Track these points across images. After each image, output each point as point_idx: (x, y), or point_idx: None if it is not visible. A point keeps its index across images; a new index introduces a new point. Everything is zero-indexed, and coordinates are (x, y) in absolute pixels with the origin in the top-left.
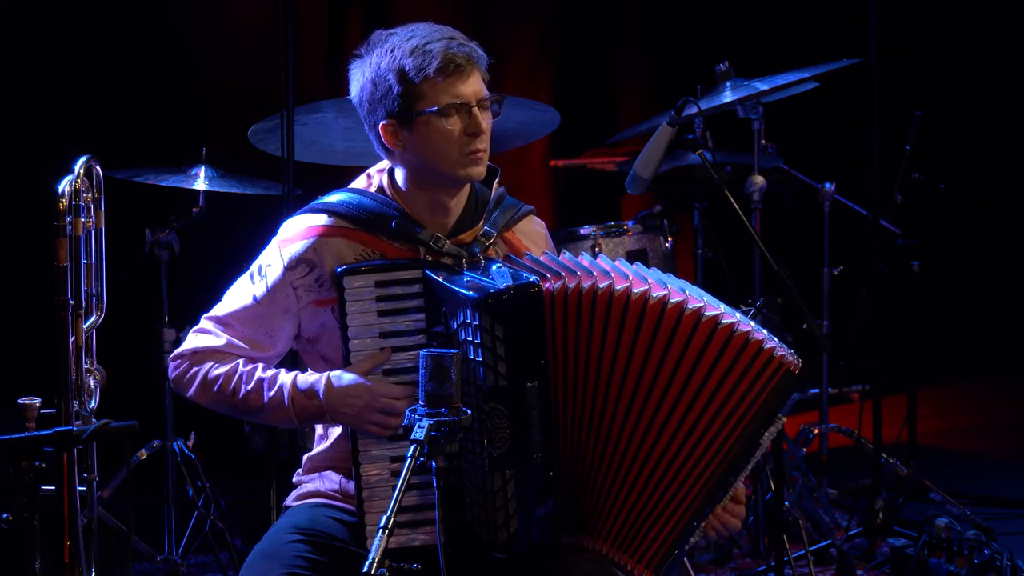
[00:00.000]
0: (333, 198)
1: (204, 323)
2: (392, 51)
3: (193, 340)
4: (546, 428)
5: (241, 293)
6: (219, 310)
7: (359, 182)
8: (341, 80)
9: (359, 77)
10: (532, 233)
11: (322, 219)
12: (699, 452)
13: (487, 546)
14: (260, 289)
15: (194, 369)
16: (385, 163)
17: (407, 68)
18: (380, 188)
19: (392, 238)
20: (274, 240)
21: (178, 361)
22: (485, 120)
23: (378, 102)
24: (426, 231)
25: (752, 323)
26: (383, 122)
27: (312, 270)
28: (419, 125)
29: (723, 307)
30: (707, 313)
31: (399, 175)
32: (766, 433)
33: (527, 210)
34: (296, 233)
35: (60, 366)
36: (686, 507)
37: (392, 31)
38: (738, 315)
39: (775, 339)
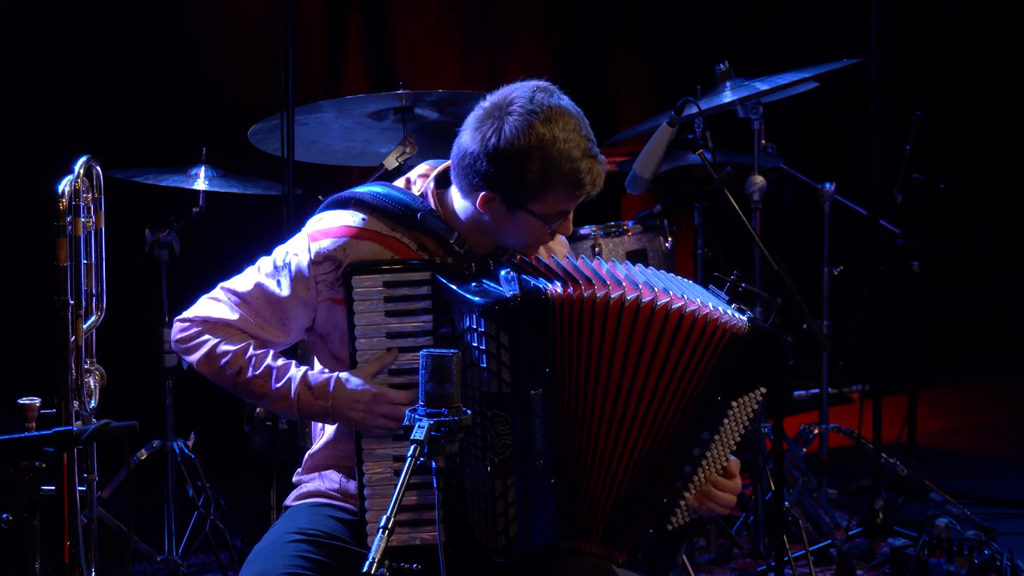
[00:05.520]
0: (369, 191)
1: (219, 292)
2: (544, 146)
3: (206, 307)
4: (549, 435)
5: (263, 275)
6: (238, 285)
7: (399, 184)
8: (341, 80)
9: (487, 133)
10: (552, 244)
11: (357, 219)
12: (655, 428)
13: (486, 550)
14: (283, 277)
15: (203, 337)
16: (426, 169)
17: (550, 174)
18: (423, 195)
19: (420, 247)
20: (304, 231)
21: (187, 324)
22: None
23: (497, 175)
24: (454, 232)
25: (711, 302)
26: (486, 192)
27: (336, 268)
28: (520, 213)
29: (687, 295)
30: (674, 306)
31: (461, 206)
32: (735, 403)
33: None
34: (329, 229)
35: (60, 366)
36: (653, 484)
37: (545, 104)
38: (699, 299)
39: (730, 311)
